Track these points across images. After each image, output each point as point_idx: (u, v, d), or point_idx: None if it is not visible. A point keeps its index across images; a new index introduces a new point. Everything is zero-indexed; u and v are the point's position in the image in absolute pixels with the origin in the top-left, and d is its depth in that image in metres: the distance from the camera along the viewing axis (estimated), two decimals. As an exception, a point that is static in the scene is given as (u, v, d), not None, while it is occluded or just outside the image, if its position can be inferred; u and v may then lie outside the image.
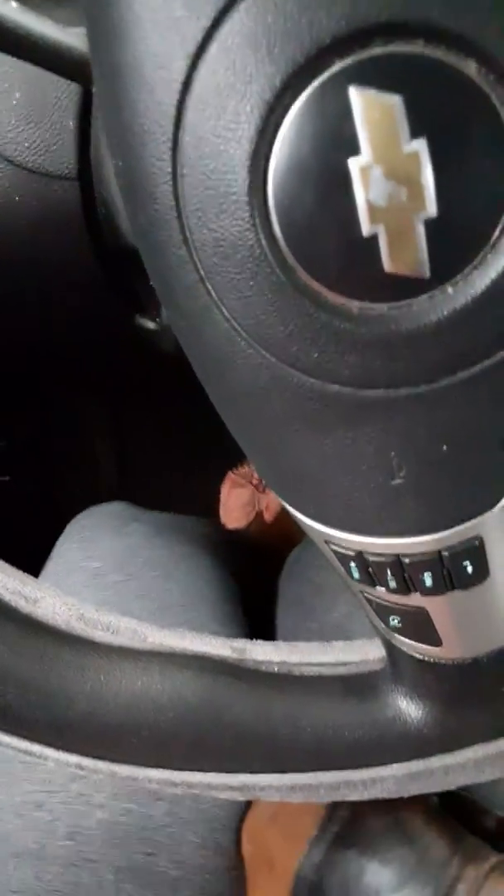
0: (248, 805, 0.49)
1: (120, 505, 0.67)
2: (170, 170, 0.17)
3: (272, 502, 1.00)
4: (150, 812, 0.46)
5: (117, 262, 0.41)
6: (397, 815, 0.47)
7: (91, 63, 0.19)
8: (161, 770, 0.29)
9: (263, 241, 0.17)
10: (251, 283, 0.17)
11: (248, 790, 0.30)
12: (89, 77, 0.34)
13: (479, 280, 0.17)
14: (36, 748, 0.29)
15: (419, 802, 0.48)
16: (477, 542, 0.22)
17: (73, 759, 0.29)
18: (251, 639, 0.31)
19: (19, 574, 0.29)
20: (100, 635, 0.29)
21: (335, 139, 0.15)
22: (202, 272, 0.18)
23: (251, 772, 0.30)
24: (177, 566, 0.59)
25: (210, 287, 0.18)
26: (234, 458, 1.02)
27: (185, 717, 0.29)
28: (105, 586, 0.55)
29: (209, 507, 1.02)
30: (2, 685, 0.27)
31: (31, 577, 0.29)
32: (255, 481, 1.04)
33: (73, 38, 0.34)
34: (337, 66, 0.15)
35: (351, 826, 0.46)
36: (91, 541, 0.60)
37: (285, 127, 0.16)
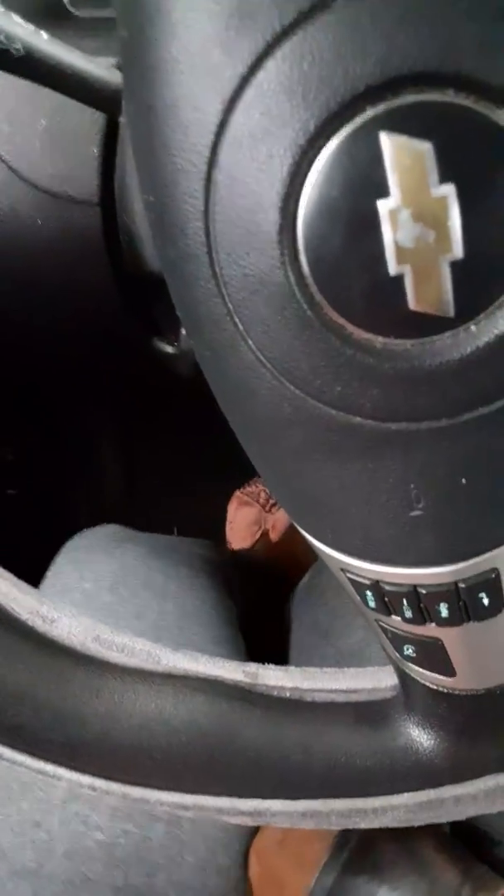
0: (254, 827, 0.49)
1: (113, 527, 0.67)
2: (202, 208, 0.17)
3: (278, 522, 1.00)
4: (149, 833, 0.46)
5: (137, 286, 0.42)
6: (408, 842, 0.47)
7: (124, 99, 0.19)
8: (173, 793, 0.30)
9: (292, 278, 0.17)
10: (278, 317, 0.18)
11: (259, 815, 0.30)
12: (115, 107, 0.35)
13: (501, 319, 0.17)
14: (49, 768, 0.29)
15: (430, 830, 0.48)
16: (493, 575, 0.22)
17: (86, 779, 0.29)
18: (253, 661, 0.31)
19: (36, 593, 0.29)
20: (115, 656, 0.29)
21: (365, 182, 0.16)
22: (230, 306, 0.18)
23: (262, 797, 0.30)
24: (171, 587, 0.59)
25: (237, 320, 0.18)
26: (241, 477, 1.02)
27: (197, 740, 0.29)
28: (98, 607, 0.55)
29: (215, 525, 1.02)
30: (17, 704, 0.27)
31: (47, 597, 0.29)
32: (261, 501, 1.04)
33: (99, 68, 0.35)
34: (369, 113, 0.15)
35: (362, 852, 0.46)
36: (84, 562, 0.61)
37: (316, 169, 0.16)
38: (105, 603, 0.56)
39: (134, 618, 0.55)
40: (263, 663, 0.31)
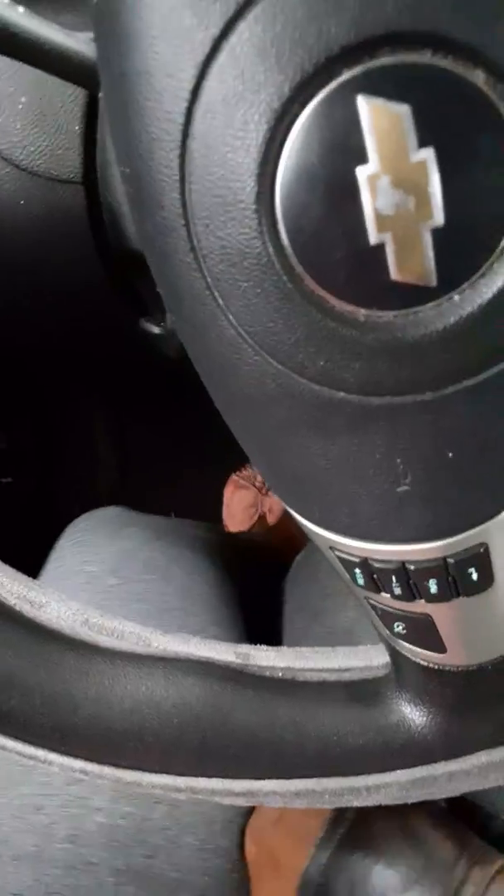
0: (246, 808, 0.49)
1: (116, 509, 0.67)
2: (178, 177, 0.17)
3: (275, 505, 1.00)
4: (149, 815, 0.46)
5: (122, 265, 0.42)
6: (404, 818, 0.47)
7: (99, 70, 0.19)
8: (165, 776, 0.29)
9: (271, 249, 0.17)
10: (258, 290, 0.17)
11: (252, 796, 0.30)
12: (95, 82, 0.34)
13: (485, 288, 0.17)
14: (41, 753, 0.29)
15: (426, 806, 0.48)
16: (482, 549, 0.22)
17: (78, 764, 0.29)
18: (252, 642, 0.31)
19: (24, 578, 0.29)
20: (104, 640, 0.29)
21: (343, 148, 0.15)
22: (209, 279, 0.18)
23: (255, 778, 0.30)
24: (174, 569, 0.59)
25: (217, 294, 0.18)
26: (237, 461, 1.02)
27: (189, 722, 0.28)
28: (101, 590, 0.55)
29: (211, 509, 1.02)
30: (7, 690, 0.27)
31: (36, 582, 0.29)
32: (258, 484, 1.04)
33: (79, 42, 0.34)
34: (345, 76, 0.15)
35: (357, 828, 0.46)
36: (87, 544, 0.61)
37: (293, 135, 0.16)
38: (109, 585, 0.56)
39: (137, 600, 0.55)
40: (258, 644, 0.31)
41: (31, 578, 0.29)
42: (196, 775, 0.30)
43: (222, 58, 0.15)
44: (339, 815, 0.47)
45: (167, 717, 0.28)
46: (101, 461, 1.08)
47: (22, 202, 0.41)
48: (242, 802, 0.31)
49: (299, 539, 0.82)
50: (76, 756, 0.29)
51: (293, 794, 0.30)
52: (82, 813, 0.45)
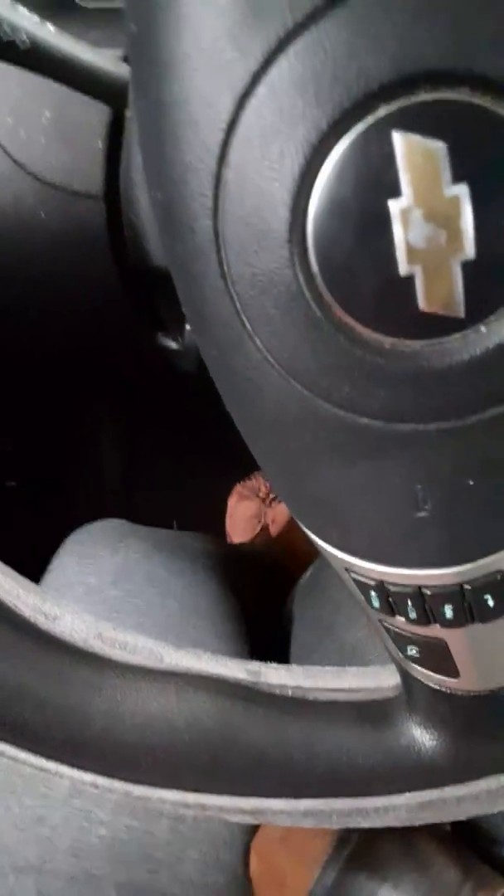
0: (250, 824, 0.49)
1: (117, 521, 0.67)
2: (211, 205, 0.17)
3: (278, 516, 1.00)
4: (152, 829, 0.46)
5: (141, 281, 0.42)
6: (410, 840, 0.47)
7: (132, 94, 0.19)
8: (175, 791, 0.30)
9: (301, 278, 0.17)
10: (286, 317, 0.18)
11: (261, 814, 0.30)
12: (120, 99, 0.34)
13: None
14: (51, 765, 0.29)
15: (431, 829, 0.48)
16: (499, 577, 0.22)
17: (88, 777, 0.29)
18: (255, 655, 0.31)
19: (39, 590, 0.29)
20: (117, 654, 0.29)
21: (377, 182, 0.16)
22: (238, 304, 0.18)
23: (264, 796, 0.30)
24: (175, 582, 0.59)
25: (245, 319, 0.18)
26: (241, 471, 1.02)
27: (199, 739, 0.29)
28: (102, 602, 0.55)
29: (215, 520, 1.02)
30: (20, 701, 0.27)
31: (50, 594, 0.29)
32: (261, 494, 1.04)
33: (105, 60, 0.35)
34: (382, 112, 0.15)
35: (363, 850, 0.46)
36: (88, 556, 0.61)
37: (327, 168, 0.16)
38: (109, 598, 0.56)
39: (139, 613, 0.55)
40: (264, 659, 0.31)
41: (44, 590, 0.30)
42: (205, 791, 0.30)
43: (261, 91, 0.16)
44: (345, 836, 0.47)
45: (178, 732, 0.29)
46: (108, 469, 1.08)
47: (43, 215, 0.41)
48: (251, 820, 0.31)
49: (302, 550, 0.82)
50: (87, 769, 0.29)
51: (301, 814, 0.30)
52: (85, 825, 0.45)
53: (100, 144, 0.39)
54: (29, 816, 0.46)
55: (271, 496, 1.01)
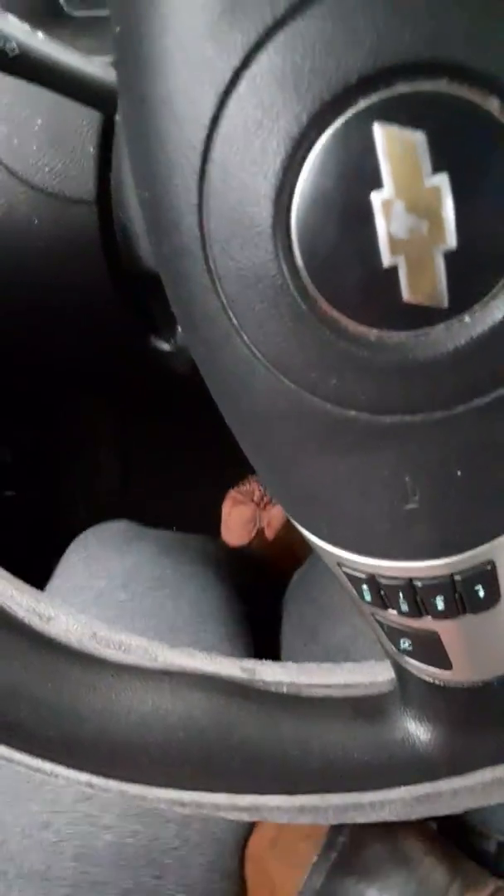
0: (251, 829, 0.49)
1: (124, 523, 0.67)
2: (196, 202, 0.17)
3: (274, 519, 1.00)
4: (159, 834, 0.46)
5: (133, 284, 0.42)
6: (396, 841, 0.47)
7: (119, 94, 0.19)
8: (170, 790, 0.30)
9: (286, 272, 0.17)
10: (272, 311, 0.18)
11: (257, 811, 0.30)
12: (110, 105, 0.35)
13: (495, 310, 0.17)
14: (47, 766, 0.29)
15: (418, 828, 0.48)
16: (489, 567, 0.22)
17: (84, 777, 0.29)
18: (257, 658, 0.31)
19: (33, 591, 0.29)
20: (111, 654, 0.29)
21: (358, 174, 0.16)
22: (224, 300, 0.18)
23: (260, 793, 0.30)
24: (184, 585, 0.59)
25: (231, 315, 0.19)
26: (236, 476, 1.02)
27: (194, 736, 0.29)
28: (111, 605, 0.55)
29: (211, 524, 1.02)
30: (14, 702, 0.27)
31: (45, 595, 0.29)
32: (256, 499, 1.04)
33: (95, 67, 0.35)
34: (362, 104, 0.15)
35: (350, 852, 0.46)
36: (96, 559, 0.60)
37: (310, 161, 0.16)
38: (119, 601, 0.55)
39: (149, 616, 0.55)
40: (263, 660, 0.31)
41: (39, 591, 0.30)
42: (201, 789, 0.30)
43: (242, 87, 0.16)
44: (333, 839, 0.46)
45: (173, 730, 0.29)
46: (105, 475, 1.08)
47: (36, 221, 0.41)
48: (247, 818, 0.31)
49: (299, 552, 0.82)
50: (82, 769, 0.29)
51: (297, 810, 0.30)
52: (91, 831, 0.45)
53: (91, 150, 0.39)
54: (35, 822, 0.45)
55: (266, 500, 1.02)
